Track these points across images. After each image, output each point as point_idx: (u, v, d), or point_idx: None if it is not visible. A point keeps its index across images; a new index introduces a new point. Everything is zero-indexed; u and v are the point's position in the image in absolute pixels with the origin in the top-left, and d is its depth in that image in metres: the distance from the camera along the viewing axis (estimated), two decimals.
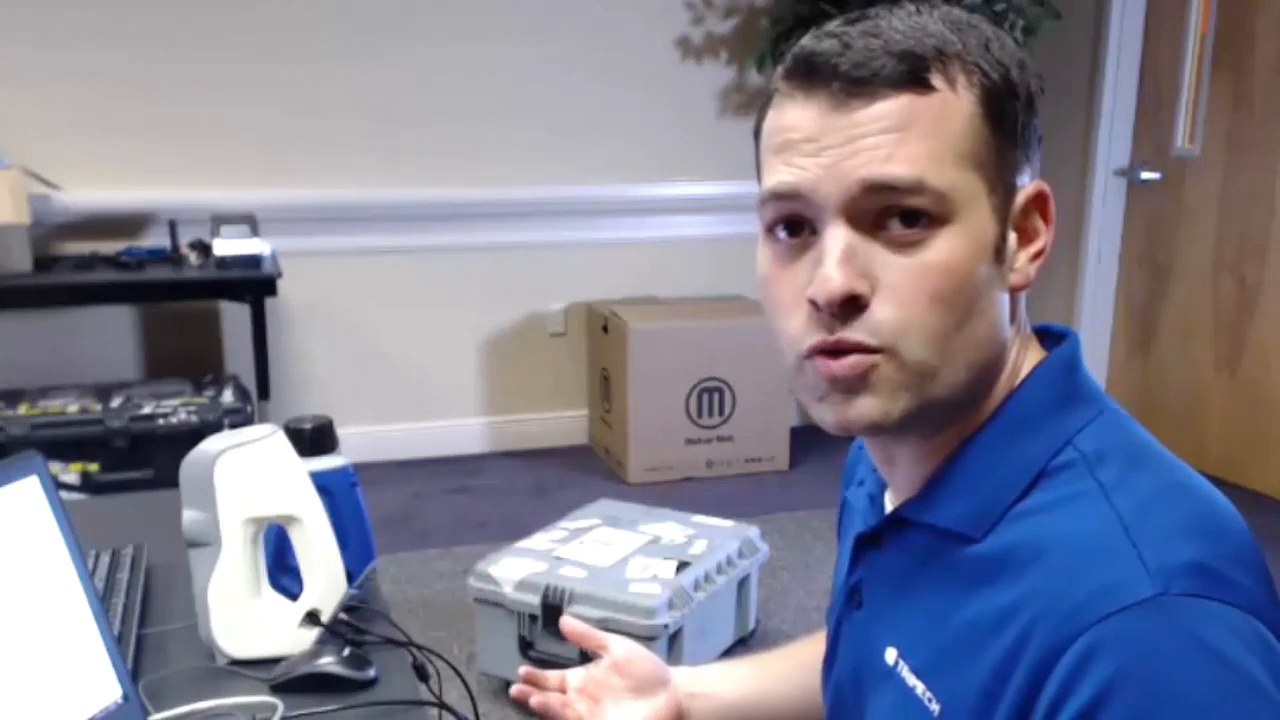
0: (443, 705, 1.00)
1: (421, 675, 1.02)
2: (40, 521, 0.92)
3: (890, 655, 0.72)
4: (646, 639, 2.11)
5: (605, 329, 3.72)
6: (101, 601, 0.98)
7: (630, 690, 1.01)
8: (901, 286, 0.65)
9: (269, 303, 3.19)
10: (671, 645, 2.17)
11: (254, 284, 3.13)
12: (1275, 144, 3.44)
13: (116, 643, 0.95)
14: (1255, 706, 0.58)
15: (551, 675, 1.02)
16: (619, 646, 1.04)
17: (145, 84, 3.34)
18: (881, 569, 0.76)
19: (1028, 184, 0.70)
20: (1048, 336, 0.75)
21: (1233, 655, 0.59)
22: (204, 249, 3.21)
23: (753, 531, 2.50)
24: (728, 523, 2.54)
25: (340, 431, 1.19)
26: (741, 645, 2.51)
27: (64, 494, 0.97)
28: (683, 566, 2.25)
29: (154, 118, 3.37)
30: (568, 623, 1.05)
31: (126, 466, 2.93)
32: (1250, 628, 0.60)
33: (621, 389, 3.63)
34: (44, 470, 0.94)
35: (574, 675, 1.03)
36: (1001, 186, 0.68)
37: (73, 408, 2.96)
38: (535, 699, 0.99)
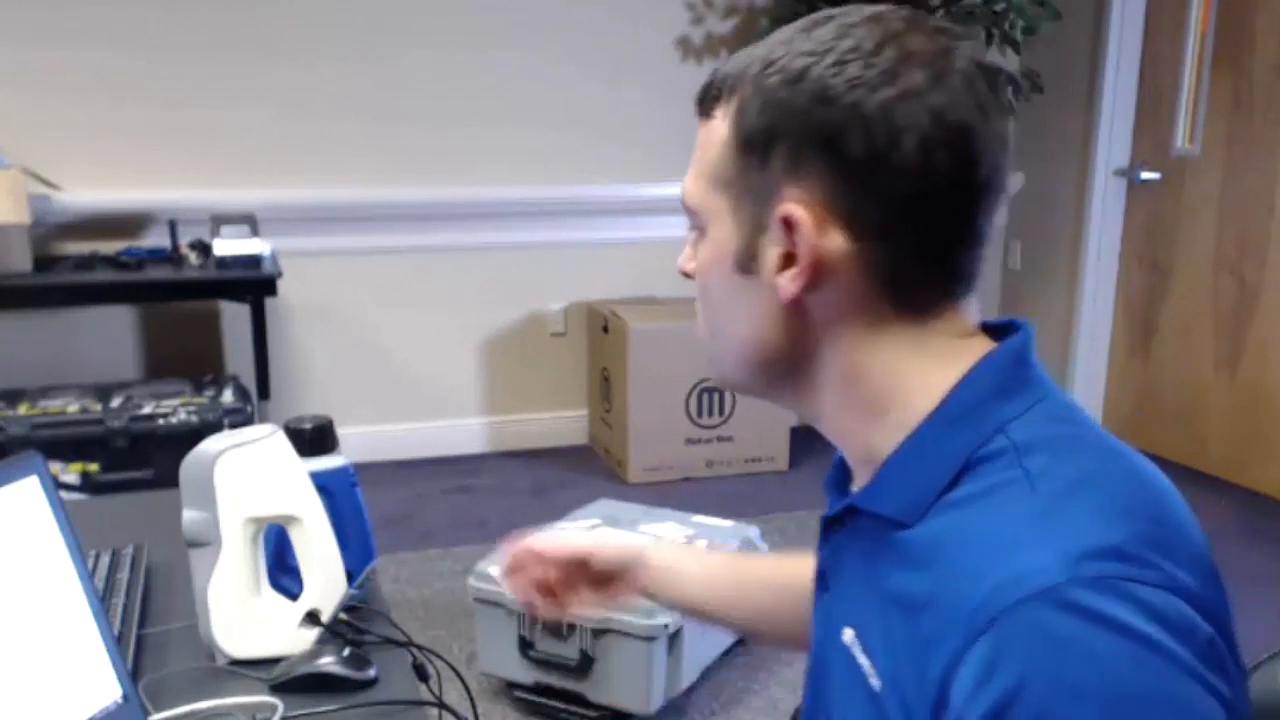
0: (443, 705, 1.00)
1: (421, 675, 1.02)
2: (40, 521, 0.92)
3: (847, 635, 0.74)
4: (646, 639, 2.11)
5: (605, 329, 3.72)
6: (101, 601, 0.98)
7: (589, 583, 1.10)
8: (696, 276, 0.79)
9: (269, 303, 3.19)
10: (672, 645, 2.17)
11: (254, 284, 3.13)
12: (1275, 144, 3.44)
13: (116, 643, 0.95)
14: (1170, 677, 0.58)
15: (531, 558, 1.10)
16: (569, 549, 1.09)
17: (145, 84, 3.34)
18: (842, 553, 0.79)
19: (781, 208, 0.70)
20: (1007, 330, 0.76)
21: (1143, 632, 0.59)
22: (204, 249, 3.21)
23: (753, 531, 2.50)
24: (728, 523, 2.54)
25: (340, 431, 1.19)
26: (741, 645, 2.51)
27: (64, 494, 0.97)
28: None
29: (154, 118, 3.37)
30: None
31: (126, 466, 2.93)
32: (1166, 604, 0.60)
33: (621, 389, 3.63)
34: (44, 470, 0.94)
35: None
36: (748, 208, 0.73)
37: (73, 408, 2.96)
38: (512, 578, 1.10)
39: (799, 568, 1.00)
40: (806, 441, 3.84)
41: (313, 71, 3.49)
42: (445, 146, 3.67)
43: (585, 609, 1.10)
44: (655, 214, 3.89)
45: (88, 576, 0.94)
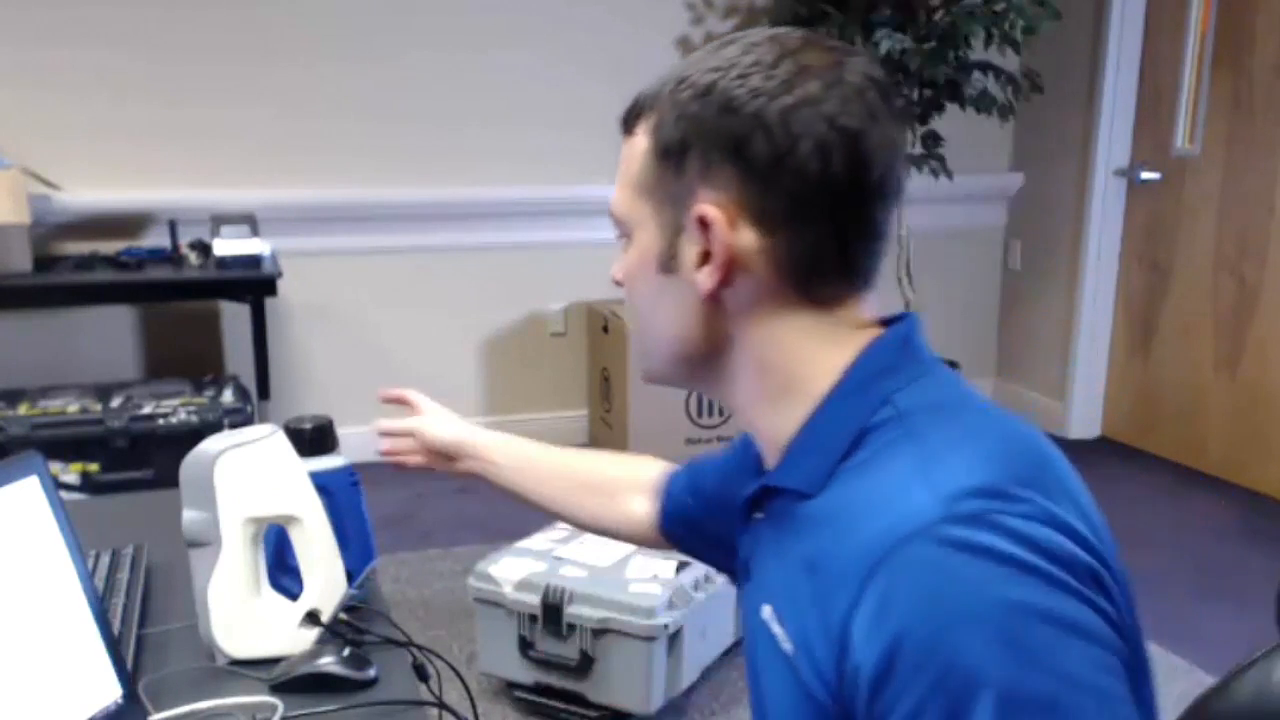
0: (442, 705, 1.00)
1: (421, 675, 1.02)
2: (40, 521, 0.92)
3: (765, 611, 0.78)
4: (646, 639, 2.11)
5: (605, 329, 3.73)
6: (101, 601, 0.98)
7: (424, 454, 1.27)
8: (624, 282, 0.87)
9: (269, 303, 3.19)
10: (672, 645, 2.17)
11: (254, 284, 3.13)
12: (1275, 144, 3.44)
13: (116, 643, 0.96)
14: (1046, 592, 0.63)
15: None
16: (417, 416, 1.28)
17: (145, 84, 3.34)
18: (760, 539, 0.84)
19: (696, 209, 0.77)
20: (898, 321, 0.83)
21: (1017, 555, 0.63)
22: (204, 249, 3.21)
23: None
24: None
25: (340, 431, 1.19)
26: (741, 645, 2.51)
27: (64, 494, 0.97)
28: (683, 566, 2.25)
29: (154, 118, 3.37)
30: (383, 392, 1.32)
31: (126, 466, 2.93)
32: (1040, 534, 0.65)
33: (621, 389, 3.63)
34: (44, 470, 0.94)
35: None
36: (668, 211, 0.79)
37: (73, 408, 2.96)
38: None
39: (613, 466, 1.20)
40: None
41: (313, 71, 3.49)
42: (445, 146, 3.67)
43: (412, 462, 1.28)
44: None
45: (88, 576, 0.94)
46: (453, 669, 1.06)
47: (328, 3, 3.48)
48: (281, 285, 3.19)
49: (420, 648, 1.04)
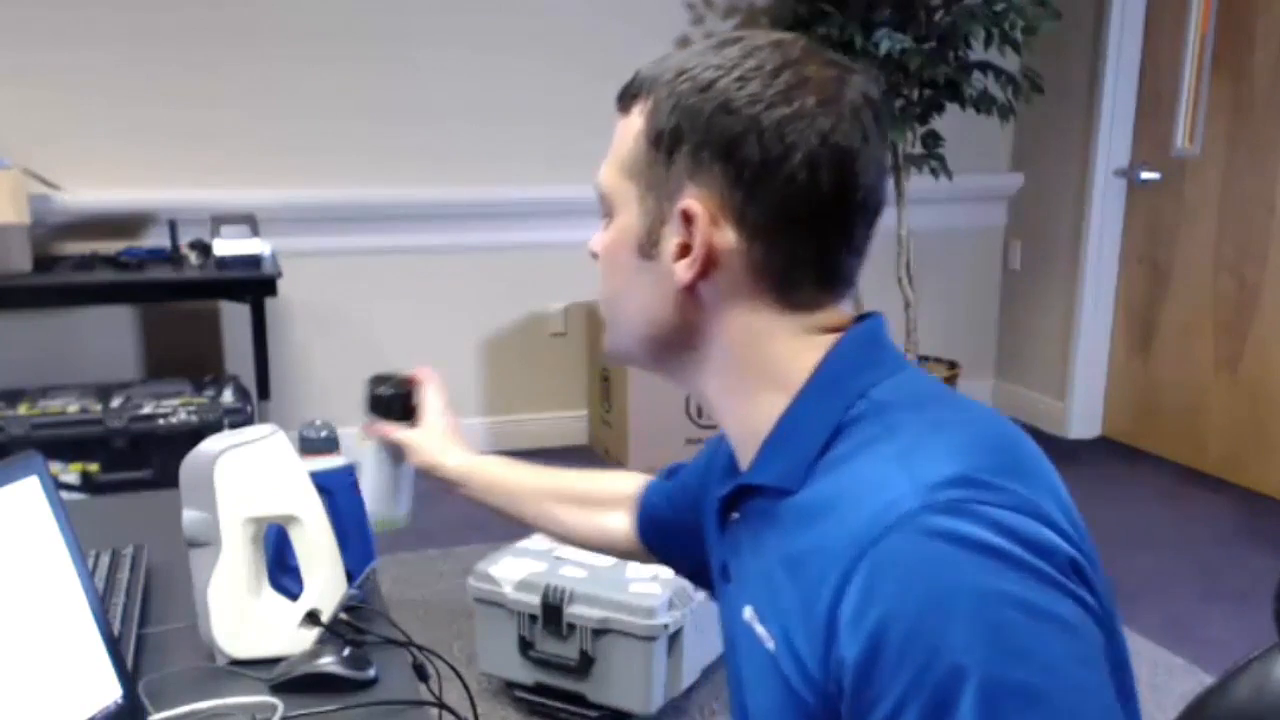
0: (442, 705, 1.00)
1: (421, 675, 1.02)
2: (40, 521, 0.92)
3: (747, 613, 0.78)
4: (647, 639, 2.11)
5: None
6: (101, 601, 0.98)
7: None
8: (599, 257, 0.87)
9: (269, 303, 3.19)
10: (671, 645, 2.17)
11: (254, 284, 3.13)
12: (1275, 144, 3.44)
13: (116, 643, 0.96)
14: (1027, 584, 0.63)
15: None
16: (402, 438, 1.28)
17: (145, 84, 3.34)
18: (738, 540, 0.84)
19: (682, 202, 0.77)
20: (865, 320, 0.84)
21: (996, 544, 0.64)
22: (204, 249, 3.21)
23: None
24: None
25: (340, 431, 1.19)
26: None
27: (64, 494, 0.97)
28: None
29: (154, 118, 3.37)
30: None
31: (126, 466, 2.93)
32: (1020, 523, 0.65)
33: (621, 389, 3.63)
34: (44, 470, 0.94)
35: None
36: (653, 197, 0.80)
37: (73, 408, 2.96)
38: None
39: (585, 482, 1.22)
40: None
41: (313, 71, 3.49)
42: (445, 146, 3.67)
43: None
44: None
45: (88, 576, 0.94)
46: (453, 669, 1.06)
47: (328, 3, 3.48)
48: (281, 285, 3.19)
49: (420, 648, 1.04)
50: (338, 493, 1.13)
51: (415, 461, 1.28)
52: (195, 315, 3.56)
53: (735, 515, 0.84)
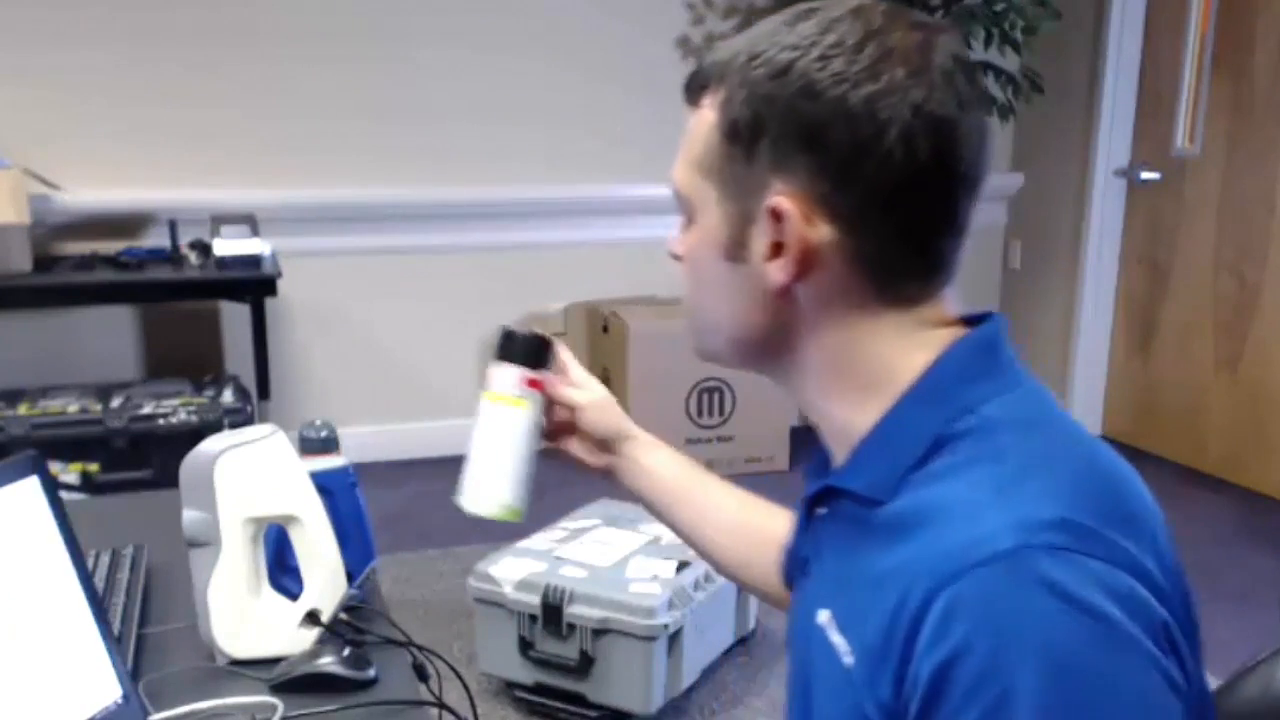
0: (442, 705, 1.00)
1: (421, 675, 1.02)
2: (40, 521, 0.92)
3: (823, 616, 0.75)
4: (647, 639, 2.11)
5: (605, 329, 3.72)
6: (101, 601, 0.98)
7: (585, 440, 1.16)
8: (682, 259, 0.82)
9: (269, 303, 3.19)
10: (671, 645, 2.17)
11: (254, 284, 3.13)
12: (1275, 144, 3.44)
13: (116, 643, 0.95)
14: (1119, 653, 0.60)
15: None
16: (581, 400, 1.16)
17: (145, 84, 3.34)
18: (822, 538, 0.81)
19: (769, 200, 0.72)
20: (980, 320, 0.78)
21: (1091, 602, 0.60)
22: (204, 249, 3.21)
23: None
24: None
25: (340, 431, 1.19)
26: (741, 645, 2.51)
27: (64, 494, 0.97)
28: (683, 566, 2.25)
29: (154, 118, 3.36)
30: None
31: (126, 466, 2.93)
32: (1119, 581, 0.62)
33: (621, 389, 3.62)
34: (44, 470, 0.94)
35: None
36: (735, 196, 0.75)
37: (73, 408, 2.96)
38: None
39: (756, 514, 1.09)
40: (806, 441, 3.83)
41: (313, 71, 3.49)
42: (445, 146, 3.67)
43: (571, 451, 1.18)
44: (655, 214, 3.88)
45: (87, 576, 0.94)
46: (453, 669, 1.06)
47: (329, 3, 3.48)
48: (281, 285, 3.19)
49: (420, 648, 1.04)
50: (338, 493, 1.13)
51: (590, 425, 1.14)
52: (195, 315, 3.55)
53: (822, 511, 0.81)
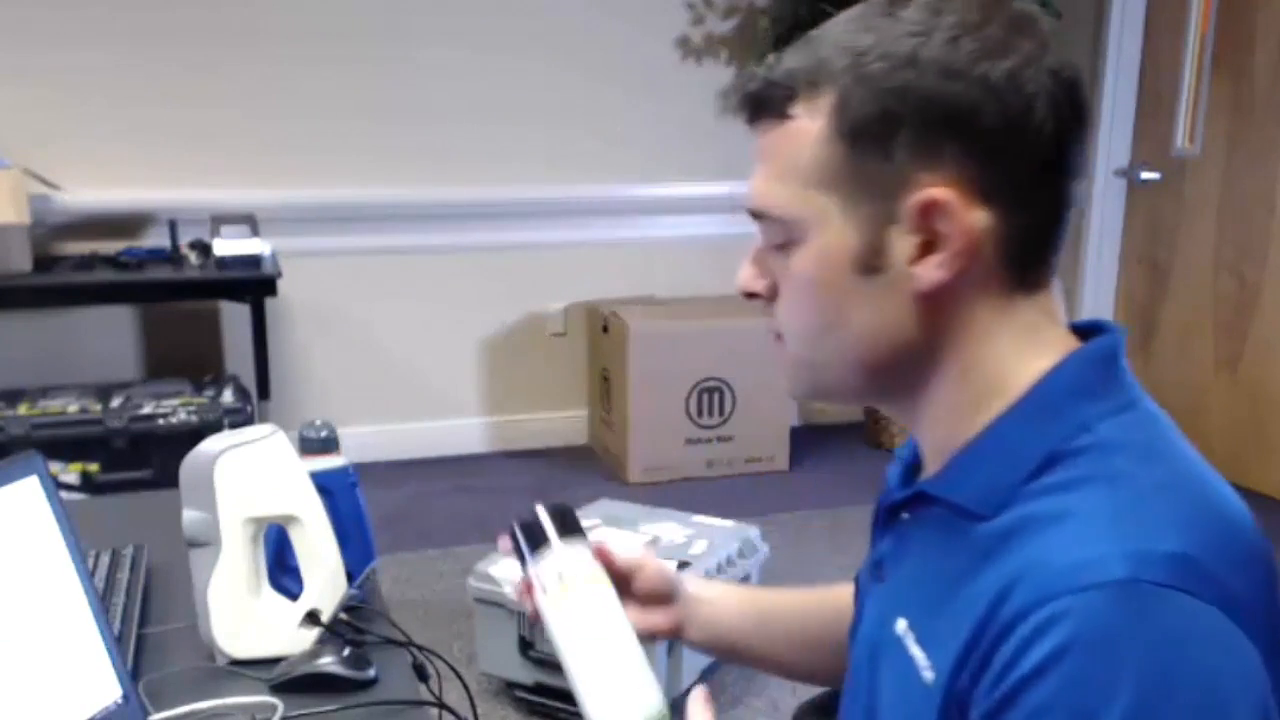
0: (442, 705, 1.00)
1: (421, 675, 1.02)
2: (40, 521, 0.92)
3: (900, 625, 0.73)
4: (646, 639, 2.11)
5: (605, 329, 3.72)
6: (101, 601, 0.98)
7: (635, 599, 1.01)
8: (781, 289, 0.76)
9: (269, 303, 3.19)
10: (671, 645, 2.17)
11: (254, 284, 3.13)
12: (1275, 144, 3.44)
13: (116, 643, 0.96)
14: (1195, 699, 0.58)
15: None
16: (627, 555, 1.02)
17: (145, 84, 3.34)
18: (904, 542, 0.78)
19: (921, 194, 0.68)
20: (1092, 330, 0.76)
21: (1190, 648, 0.59)
22: (204, 249, 3.21)
23: (753, 531, 2.50)
24: (728, 523, 2.54)
25: (340, 431, 1.19)
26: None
27: (64, 494, 0.97)
28: (683, 566, 2.25)
29: (154, 118, 3.36)
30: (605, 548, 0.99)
31: (126, 466, 2.93)
32: (1223, 626, 0.61)
33: (621, 389, 3.62)
34: (44, 470, 0.94)
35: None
36: (868, 201, 0.70)
37: (73, 408, 2.96)
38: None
39: (824, 601, 1.02)
40: (806, 441, 3.83)
41: (313, 71, 3.49)
42: (445, 146, 3.67)
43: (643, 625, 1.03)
44: (655, 214, 3.89)
45: (88, 576, 0.94)
46: (453, 669, 1.06)
47: (329, 3, 3.48)
48: (281, 285, 3.19)
49: (420, 648, 1.04)
50: (338, 493, 1.13)
51: (651, 581, 1.02)
52: (195, 315, 3.55)
53: (906, 515, 0.78)
